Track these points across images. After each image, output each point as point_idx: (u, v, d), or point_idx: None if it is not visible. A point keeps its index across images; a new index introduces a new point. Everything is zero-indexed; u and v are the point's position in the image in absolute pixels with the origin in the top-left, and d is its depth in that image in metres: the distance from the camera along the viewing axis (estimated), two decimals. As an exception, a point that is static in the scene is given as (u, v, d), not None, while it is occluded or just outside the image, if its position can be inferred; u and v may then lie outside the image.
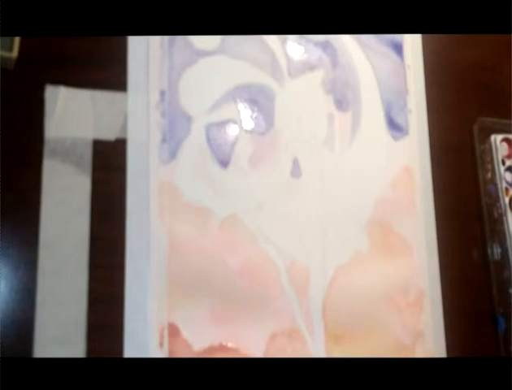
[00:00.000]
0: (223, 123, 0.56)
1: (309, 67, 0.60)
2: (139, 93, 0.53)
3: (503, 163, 0.67)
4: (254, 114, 0.57)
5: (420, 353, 0.58)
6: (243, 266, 0.53)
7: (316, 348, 0.54)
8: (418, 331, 0.59)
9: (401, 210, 0.61)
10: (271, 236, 0.55)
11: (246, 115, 0.57)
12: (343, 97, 0.61)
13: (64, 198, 0.50)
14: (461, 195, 0.65)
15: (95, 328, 0.48)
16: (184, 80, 0.55)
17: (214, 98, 0.56)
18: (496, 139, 0.67)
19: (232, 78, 0.57)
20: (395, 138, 0.62)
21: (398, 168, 0.62)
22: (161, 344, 0.50)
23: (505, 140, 0.68)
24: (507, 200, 0.66)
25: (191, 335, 0.50)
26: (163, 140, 0.53)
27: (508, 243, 0.65)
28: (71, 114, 0.51)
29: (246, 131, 0.56)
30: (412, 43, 0.66)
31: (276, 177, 0.57)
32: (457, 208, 0.65)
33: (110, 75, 0.53)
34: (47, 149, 0.50)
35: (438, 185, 0.63)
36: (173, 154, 0.53)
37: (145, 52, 0.54)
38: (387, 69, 0.64)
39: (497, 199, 0.66)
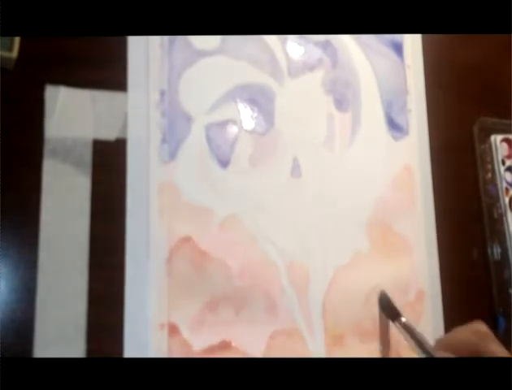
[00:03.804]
0: (223, 123, 0.56)
1: (309, 67, 0.60)
2: (139, 93, 0.53)
3: (503, 163, 0.67)
4: (254, 114, 0.57)
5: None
6: (243, 266, 0.53)
7: (316, 348, 0.54)
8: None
9: (401, 210, 0.61)
10: (271, 236, 0.55)
11: (246, 115, 0.57)
12: (343, 98, 0.61)
13: (64, 198, 0.50)
14: (461, 195, 0.65)
15: (95, 328, 0.48)
16: (184, 80, 0.55)
17: (214, 98, 0.56)
18: (496, 139, 0.67)
19: (231, 78, 0.57)
20: (395, 138, 0.62)
21: (398, 168, 0.62)
22: (161, 344, 0.50)
23: (505, 140, 0.68)
24: (507, 200, 0.66)
25: (191, 335, 0.50)
26: (163, 140, 0.53)
27: (508, 243, 0.65)
28: (71, 114, 0.51)
29: (246, 131, 0.56)
30: (412, 43, 0.66)
31: (276, 177, 0.57)
32: (457, 208, 0.65)
33: (110, 75, 0.53)
34: (47, 149, 0.50)
35: (438, 185, 0.63)
36: (173, 154, 0.53)
37: (145, 52, 0.54)
38: (387, 69, 0.64)
39: (497, 199, 0.66)
